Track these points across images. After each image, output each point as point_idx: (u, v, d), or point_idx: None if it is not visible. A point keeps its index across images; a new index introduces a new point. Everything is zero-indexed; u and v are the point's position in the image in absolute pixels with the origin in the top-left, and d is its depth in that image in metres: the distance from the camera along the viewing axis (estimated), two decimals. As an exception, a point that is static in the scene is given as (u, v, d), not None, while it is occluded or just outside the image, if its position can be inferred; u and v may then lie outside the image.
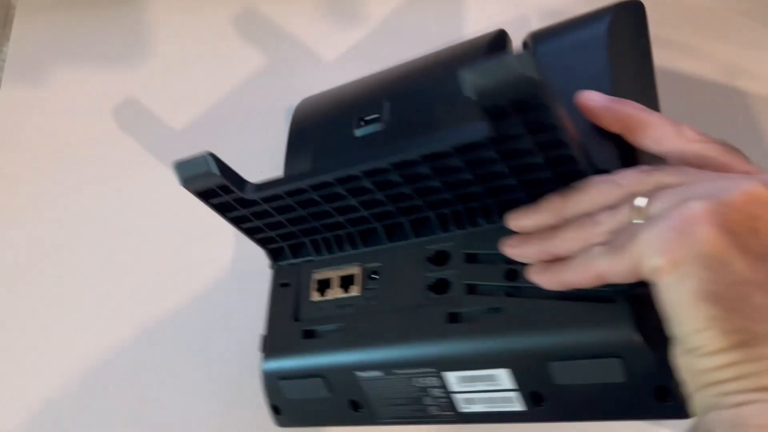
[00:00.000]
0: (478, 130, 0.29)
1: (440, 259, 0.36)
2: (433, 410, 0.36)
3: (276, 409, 0.41)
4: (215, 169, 0.35)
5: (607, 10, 0.37)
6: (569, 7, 0.45)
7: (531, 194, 0.32)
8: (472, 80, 0.27)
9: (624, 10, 0.37)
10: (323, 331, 0.38)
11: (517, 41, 0.41)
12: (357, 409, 0.38)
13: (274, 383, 0.40)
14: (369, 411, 0.38)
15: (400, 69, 0.45)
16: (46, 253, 0.49)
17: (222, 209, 0.38)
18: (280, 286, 0.41)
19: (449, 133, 0.31)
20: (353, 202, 0.36)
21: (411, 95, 0.42)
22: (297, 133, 0.46)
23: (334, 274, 0.39)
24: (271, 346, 0.40)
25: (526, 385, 0.32)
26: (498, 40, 0.41)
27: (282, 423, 0.41)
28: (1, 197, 0.54)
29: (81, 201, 0.52)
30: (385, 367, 0.36)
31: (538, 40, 0.39)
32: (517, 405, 0.33)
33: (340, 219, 0.38)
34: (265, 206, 0.37)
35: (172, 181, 0.55)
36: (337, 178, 0.34)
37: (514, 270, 0.33)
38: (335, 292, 0.39)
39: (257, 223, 0.39)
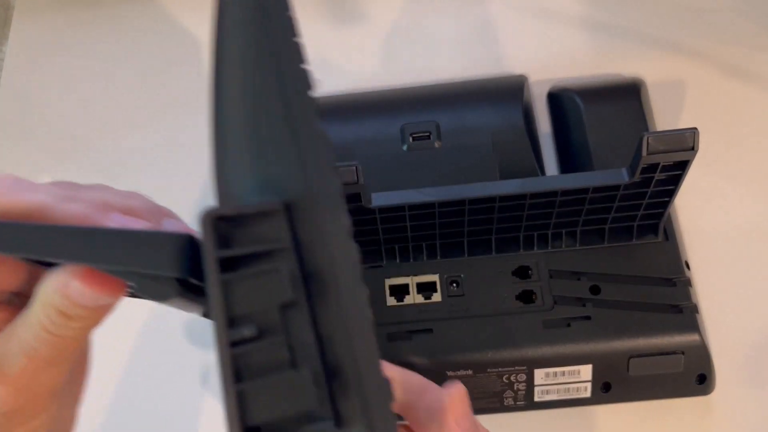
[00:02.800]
0: (620, 175, 0.37)
1: (523, 272, 0.42)
2: (510, 401, 0.42)
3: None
4: (361, 179, 0.36)
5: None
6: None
7: (611, 229, 0.41)
8: (652, 142, 0.35)
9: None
10: (409, 334, 0.41)
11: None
12: (432, 405, 0.42)
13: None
14: (444, 405, 0.42)
15: (438, 89, 0.49)
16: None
17: None
18: None
19: (594, 174, 0.38)
20: (459, 219, 0.40)
21: (460, 120, 0.47)
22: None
23: (410, 281, 0.42)
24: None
25: (601, 377, 0.41)
26: (520, 84, 0.49)
27: None
28: None
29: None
30: (480, 366, 0.40)
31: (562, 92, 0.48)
32: (586, 392, 0.41)
33: (436, 232, 0.41)
34: (375, 216, 0.39)
35: (172, 179, 0.51)
36: (472, 198, 0.38)
37: (597, 286, 0.41)
38: (415, 299, 0.42)
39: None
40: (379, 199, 0.38)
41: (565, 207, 0.39)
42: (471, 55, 0.53)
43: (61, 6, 0.58)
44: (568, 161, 0.47)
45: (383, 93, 0.50)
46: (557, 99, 0.49)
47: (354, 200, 0.37)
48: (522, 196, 0.38)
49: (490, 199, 0.38)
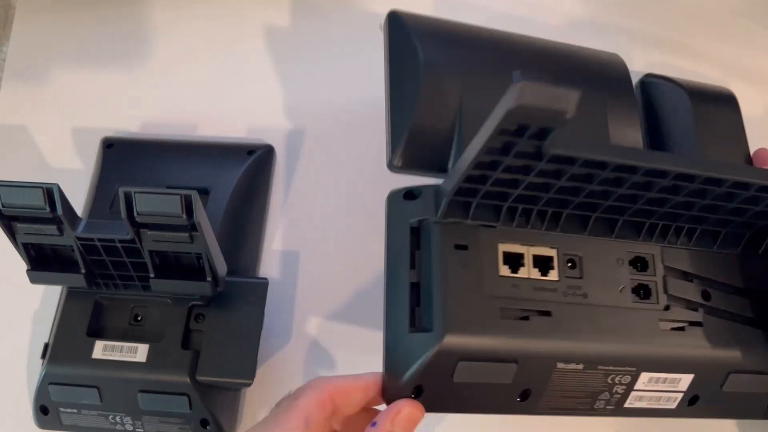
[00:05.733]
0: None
1: (641, 264, 0.37)
2: (600, 404, 0.37)
3: (419, 390, 0.33)
4: (572, 112, 0.29)
5: None
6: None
7: (726, 233, 0.39)
8: None
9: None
10: (525, 313, 0.34)
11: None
12: (524, 399, 0.35)
13: (448, 363, 0.33)
14: (535, 401, 0.36)
15: (550, 47, 0.43)
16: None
17: (493, 152, 0.30)
18: (456, 248, 0.34)
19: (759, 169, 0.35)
20: (614, 189, 0.34)
21: (574, 83, 0.41)
22: (418, 51, 0.39)
23: (525, 250, 0.36)
24: (456, 320, 0.33)
25: (695, 389, 0.38)
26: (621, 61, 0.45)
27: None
28: None
29: (81, 201, 0.49)
30: (592, 361, 0.35)
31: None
32: (673, 404, 0.38)
33: (575, 200, 0.35)
34: (539, 164, 0.32)
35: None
36: (648, 168, 0.33)
37: (708, 291, 0.38)
38: (530, 272, 0.35)
39: (488, 173, 0.32)
40: (563, 145, 0.31)
41: (716, 200, 0.36)
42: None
43: (62, 6, 0.58)
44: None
45: (495, 32, 0.42)
46: (655, 88, 0.45)
47: (538, 137, 0.30)
48: (691, 178, 0.34)
49: (663, 174, 0.33)
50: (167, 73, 0.55)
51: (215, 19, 0.57)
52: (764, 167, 0.42)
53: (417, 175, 0.39)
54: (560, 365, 0.35)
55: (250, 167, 0.49)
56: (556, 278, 0.36)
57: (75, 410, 0.42)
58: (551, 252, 0.36)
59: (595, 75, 0.42)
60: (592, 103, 0.41)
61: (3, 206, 0.37)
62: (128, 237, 0.38)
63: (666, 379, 0.37)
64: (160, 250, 0.39)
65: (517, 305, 0.34)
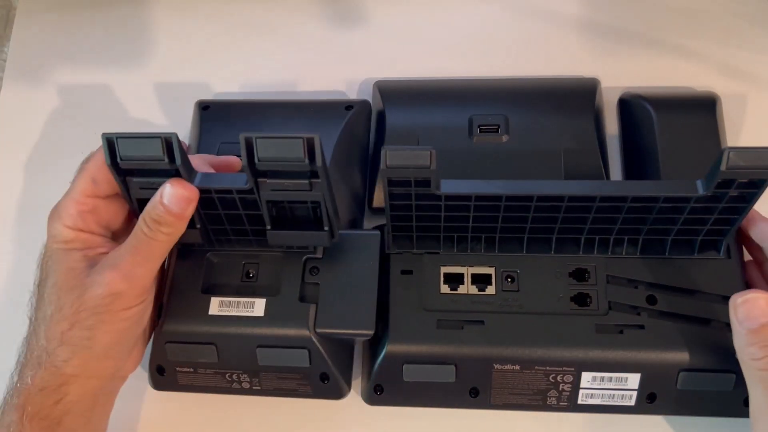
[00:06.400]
0: (694, 187, 0.37)
1: (580, 275, 0.42)
2: (552, 401, 0.42)
3: (381, 389, 0.42)
4: (434, 165, 0.36)
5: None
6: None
7: (673, 241, 0.41)
8: (733, 157, 0.34)
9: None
10: (460, 324, 0.41)
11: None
12: (475, 395, 0.42)
13: (395, 366, 0.41)
14: (486, 397, 0.42)
15: (508, 84, 0.49)
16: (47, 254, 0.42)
17: (397, 197, 0.38)
18: (401, 273, 0.43)
19: (666, 183, 0.38)
20: (524, 214, 0.40)
21: (528, 116, 0.47)
22: (387, 115, 0.47)
23: (465, 270, 0.43)
24: (397, 331, 0.41)
25: (648, 387, 0.41)
26: (592, 86, 0.49)
27: (384, 403, 0.43)
28: (0, 197, 0.53)
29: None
30: (528, 363, 0.41)
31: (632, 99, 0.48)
32: (631, 401, 0.41)
33: (498, 225, 0.41)
34: (441, 202, 0.39)
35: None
36: (541, 195, 0.38)
37: (653, 296, 0.41)
38: (469, 289, 0.42)
39: (409, 213, 0.40)
40: (448, 187, 0.38)
41: (632, 213, 0.39)
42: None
43: (62, 6, 0.58)
44: (634, 169, 0.47)
45: (453, 82, 0.50)
46: (629, 106, 0.48)
47: (423, 185, 0.37)
48: (591, 198, 0.38)
49: (559, 198, 0.38)
50: (169, 73, 0.56)
51: (216, 18, 0.57)
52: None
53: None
54: (497, 366, 0.41)
55: (350, 122, 0.49)
56: (494, 292, 0.42)
57: (192, 369, 0.42)
58: (489, 270, 0.42)
59: (553, 105, 0.47)
60: (546, 133, 0.46)
61: (120, 159, 0.36)
62: (247, 187, 0.37)
63: (611, 377, 0.41)
64: (277, 200, 0.38)
65: (453, 317, 0.41)
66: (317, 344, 0.41)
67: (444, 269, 0.43)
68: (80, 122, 0.55)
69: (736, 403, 0.41)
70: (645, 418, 0.42)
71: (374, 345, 0.43)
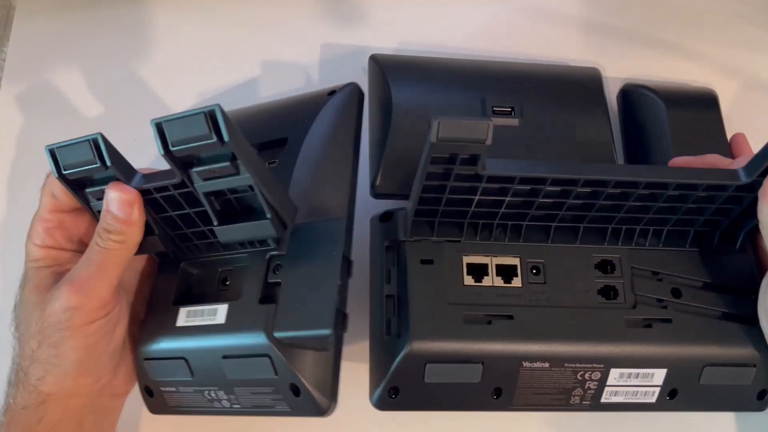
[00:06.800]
0: (737, 175, 0.36)
1: (606, 267, 0.40)
2: (576, 400, 0.39)
3: (396, 391, 0.38)
4: (490, 140, 0.32)
5: None
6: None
7: (696, 232, 0.40)
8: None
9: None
10: (487, 318, 0.38)
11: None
12: (498, 396, 0.39)
13: (417, 366, 0.37)
14: (509, 399, 0.39)
15: (521, 69, 0.47)
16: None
17: (433, 177, 0.34)
18: (422, 263, 0.38)
19: (709, 171, 0.36)
20: (563, 200, 0.37)
21: (541, 101, 0.45)
22: (390, 91, 0.43)
23: (489, 260, 0.39)
24: (420, 327, 0.37)
25: (672, 383, 0.39)
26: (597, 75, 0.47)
27: (398, 407, 0.38)
28: (0, 197, 0.53)
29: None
30: (558, 360, 0.38)
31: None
32: (652, 398, 0.40)
33: (529, 212, 0.38)
34: (481, 185, 0.35)
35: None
36: (590, 179, 0.35)
37: (678, 289, 0.40)
38: (494, 281, 0.39)
39: (439, 195, 0.36)
40: (495, 166, 0.34)
41: (669, 202, 0.38)
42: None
43: (62, 6, 0.58)
44: (638, 159, 0.46)
45: (462, 62, 0.46)
46: (632, 96, 0.47)
47: (469, 162, 0.34)
48: (636, 184, 0.36)
49: (604, 183, 0.36)
50: (169, 73, 0.55)
51: (216, 18, 0.57)
52: (741, 152, 0.43)
53: (398, 200, 0.43)
54: (526, 364, 0.38)
55: (330, 107, 0.44)
56: (520, 285, 0.39)
57: (173, 388, 0.39)
58: (514, 261, 0.39)
59: (565, 92, 0.45)
60: (559, 119, 0.44)
61: (64, 169, 0.35)
62: (177, 180, 0.35)
63: (638, 374, 0.39)
64: (213, 190, 0.35)
65: (480, 311, 0.38)
66: (277, 351, 0.35)
67: (467, 259, 0.39)
68: (80, 122, 0.54)
69: (751, 398, 0.40)
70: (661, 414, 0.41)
71: (387, 343, 0.38)
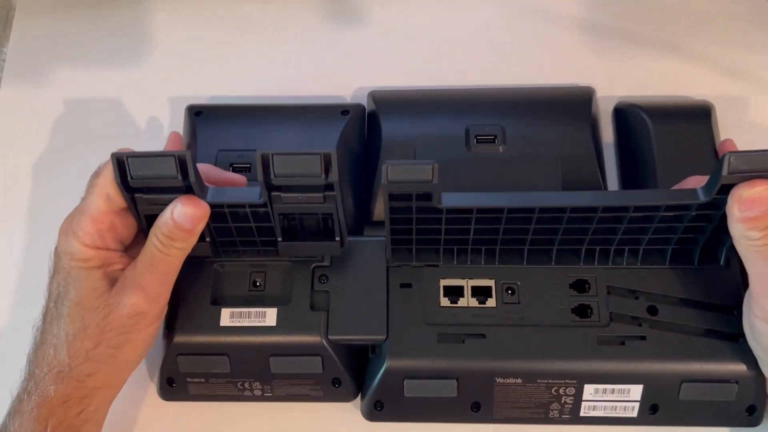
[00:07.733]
0: (695, 194, 0.37)
1: (581, 286, 0.42)
2: (555, 414, 0.41)
3: (381, 405, 0.41)
4: (436, 179, 0.36)
5: None
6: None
7: (674, 250, 0.41)
8: (734, 161, 0.34)
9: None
10: (461, 337, 0.41)
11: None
12: (477, 410, 0.41)
13: (396, 381, 0.40)
14: (488, 411, 0.41)
15: (505, 93, 0.49)
16: (47, 254, 0.41)
17: (398, 211, 0.38)
18: (401, 287, 0.42)
19: (667, 192, 0.38)
20: (526, 226, 0.39)
21: (524, 126, 0.47)
22: (383, 125, 0.47)
23: (465, 282, 0.42)
24: (397, 346, 0.41)
25: (650, 398, 0.40)
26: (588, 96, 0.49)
27: (384, 419, 0.42)
28: (0, 197, 0.52)
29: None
30: (530, 376, 0.40)
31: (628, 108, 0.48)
32: (633, 412, 0.41)
33: (498, 237, 0.41)
34: (441, 216, 0.38)
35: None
36: (544, 206, 0.38)
37: (654, 306, 0.41)
38: (469, 302, 0.42)
39: (409, 226, 0.40)
40: (450, 200, 0.37)
41: (633, 223, 0.39)
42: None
43: (62, 7, 0.58)
44: (631, 178, 0.47)
45: (450, 92, 0.49)
46: (624, 115, 0.48)
47: (424, 198, 0.37)
48: (593, 209, 0.38)
49: (561, 210, 0.38)
50: (169, 73, 0.56)
51: (216, 19, 0.57)
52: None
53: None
54: (499, 380, 0.40)
55: (346, 128, 0.48)
56: (494, 305, 0.41)
57: (203, 379, 0.43)
58: (489, 282, 0.42)
59: (552, 114, 0.47)
60: (542, 143, 0.46)
61: (131, 178, 0.36)
62: (261, 201, 0.38)
63: (614, 389, 0.40)
64: (289, 212, 0.39)
65: (454, 330, 0.41)
66: (330, 351, 0.41)
67: (443, 282, 0.42)
68: (80, 123, 0.54)
69: (739, 413, 0.41)
70: (648, 429, 0.42)
71: (372, 360, 0.42)
